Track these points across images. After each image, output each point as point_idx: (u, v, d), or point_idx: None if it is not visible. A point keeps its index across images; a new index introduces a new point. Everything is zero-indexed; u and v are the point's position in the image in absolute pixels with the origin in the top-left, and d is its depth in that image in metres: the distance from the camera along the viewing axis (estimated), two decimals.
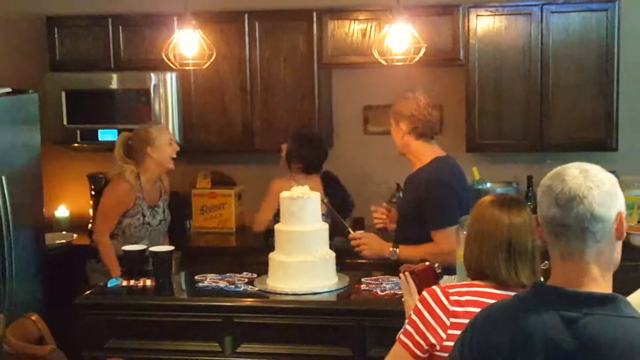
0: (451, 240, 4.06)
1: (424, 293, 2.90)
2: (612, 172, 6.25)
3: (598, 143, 5.80)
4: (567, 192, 2.05)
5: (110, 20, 6.27)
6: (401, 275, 3.41)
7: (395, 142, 4.68)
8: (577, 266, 2.07)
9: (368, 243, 4.67)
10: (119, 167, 5.32)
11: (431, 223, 4.49)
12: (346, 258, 4.97)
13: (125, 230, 5.27)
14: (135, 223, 5.28)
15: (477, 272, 2.97)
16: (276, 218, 4.82)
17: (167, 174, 5.56)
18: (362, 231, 4.94)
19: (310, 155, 5.56)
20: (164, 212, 5.46)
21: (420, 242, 4.48)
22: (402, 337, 2.88)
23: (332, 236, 4.61)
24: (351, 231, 4.80)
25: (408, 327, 2.87)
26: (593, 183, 2.06)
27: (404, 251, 4.52)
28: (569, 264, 2.08)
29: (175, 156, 5.36)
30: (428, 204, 4.51)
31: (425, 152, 4.65)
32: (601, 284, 2.07)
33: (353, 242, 4.72)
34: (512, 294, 2.85)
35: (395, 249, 4.55)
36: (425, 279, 3.33)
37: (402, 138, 4.63)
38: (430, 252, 4.33)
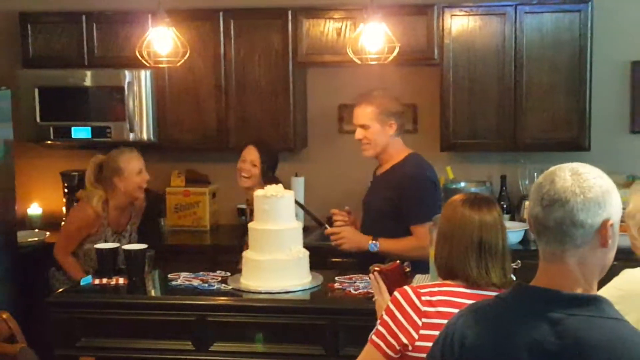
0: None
1: (396, 293, 2.89)
2: None
3: (571, 143, 5.82)
4: (552, 194, 2.04)
5: (84, 17, 6.23)
6: (370, 275, 3.41)
7: (375, 143, 4.63)
8: (559, 268, 2.06)
9: (347, 236, 4.64)
10: (88, 191, 5.29)
11: (412, 217, 4.51)
12: (320, 257, 4.97)
13: (86, 253, 5.21)
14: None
15: (448, 271, 2.97)
16: None
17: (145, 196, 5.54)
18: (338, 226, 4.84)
19: (276, 162, 5.48)
20: (130, 235, 5.40)
21: (396, 237, 4.50)
22: (374, 337, 2.88)
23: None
24: (328, 226, 4.75)
25: (380, 327, 2.87)
26: (580, 188, 2.03)
27: (384, 244, 4.51)
28: (552, 266, 2.07)
29: (145, 186, 5.34)
30: (410, 198, 4.52)
31: (400, 149, 4.69)
32: (584, 287, 2.07)
33: (332, 237, 4.68)
34: (484, 293, 2.87)
35: (375, 242, 4.53)
36: (395, 278, 3.33)
37: (389, 137, 4.63)
38: (410, 246, 4.36)
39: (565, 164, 2.11)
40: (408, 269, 3.46)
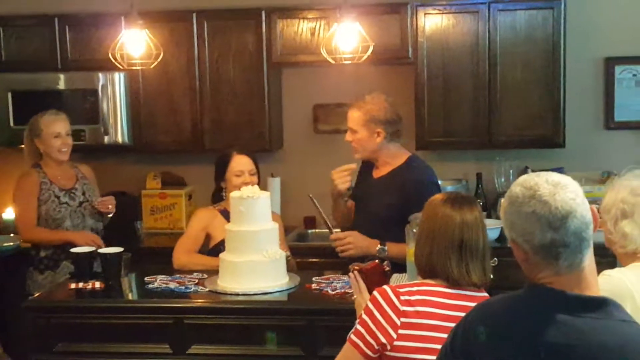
0: None
1: (375, 293, 2.90)
2: (560, 168, 6.29)
3: (545, 140, 5.86)
4: (557, 211, 2.04)
5: (56, 19, 6.21)
6: (350, 274, 3.40)
7: (362, 147, 4.59)
8: (574, 276, 2.07)
9: (354, 242, 4.49)
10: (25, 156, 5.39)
11: None
12: (296, 257, 4.97)
13: (46, 217, 5.23)
14: (52, 206, 5.23)
15: (428, 271, 2.98)
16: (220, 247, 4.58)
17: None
18: (338, 230, 4.70)
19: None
20: (84, 194, 5.37)
21: (398, 241, 4.39)
22: (352, 337, 2.88)
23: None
24: (334, 231, 4.61)
25: (359, 326, 2.87)
26: (571, 193, 2.06)
27: (392, 248, 4.40)
28: (565, 276, 2.07)
29: (65, 149, 5.29)
30: (418, 204, 4.35)
31: (396, 154, 4.62)
32: (594, 286, 2.09)
33: (337, 243, 4.53)
34: (464, 292, 2.88)
35: (383, 246, 4.43)
36: (374, 277, 3.33)
37: (376, 144, 4.57)
38: None
39: (525, 182, 2.11)
40: (387, 268, 3.46)
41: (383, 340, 2.82)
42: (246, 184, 4.69)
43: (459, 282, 2.91)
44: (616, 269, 3.03)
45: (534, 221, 2.06)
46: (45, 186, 5.24)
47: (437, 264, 2.94)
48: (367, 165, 4.81)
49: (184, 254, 4.79)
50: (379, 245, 4.45)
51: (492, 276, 3.01)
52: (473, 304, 2.85)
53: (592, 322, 2.01)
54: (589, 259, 2.09)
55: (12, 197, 5.41)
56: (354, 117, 4.58)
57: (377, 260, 3.49)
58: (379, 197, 4.60)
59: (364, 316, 2.88)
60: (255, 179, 4.84)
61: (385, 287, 2.92)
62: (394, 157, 4.63)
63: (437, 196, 3.10)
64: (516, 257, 2.14)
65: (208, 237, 4.84)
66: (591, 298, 2.05)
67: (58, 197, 5.25)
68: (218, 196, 4.97)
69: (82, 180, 5.42)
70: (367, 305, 2.89)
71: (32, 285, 5.24)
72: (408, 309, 2.83)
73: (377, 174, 4.70)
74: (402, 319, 2.82)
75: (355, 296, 3.36)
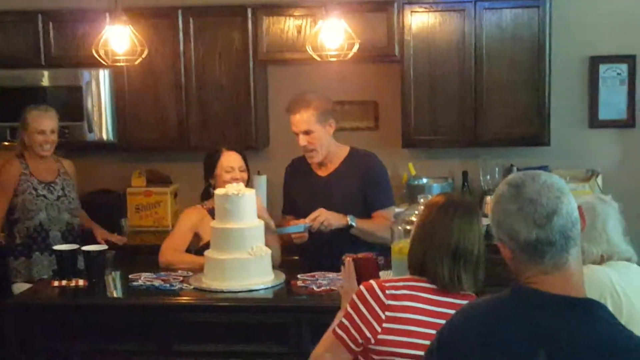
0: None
1: (361, 287, 2.89)
2: (545, 166, 6.30)
3: (531, 138, 5.86)
4: (543, 209, 2.04)
5: (39, 16, 6.16)
6: (345, 261, 3.35)
7: (321, 146, 4.65)
8: (560, 275, 2.06)
9: (327, 216, 4.48)
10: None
11: (380, 202, 4.60)
12: (281, 256, 4.95)
13: (22, 207, 5.27)
14: (29, 197, 5.27)
15: (419, 270, 2.94)
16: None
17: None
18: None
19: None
20: (63, 189, 5.39)
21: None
22: (337, 330, 2.87)
23: None
24: (306, 220, 4.53)
25: (344, 320, 2.87)
26: (558, 191, 2.06)
27: (359, 222, 4.52)
28: (551, 276, 2.06)
29: (47, 146, 5.31)
30: (376, 187, 4.64)
31: (339, 146, 4.77)
32: (580, 287, 2.08)
33: (318, 219, 4.47)
34: (449, 297, 2.86)
35: (352, 216, 4.51)
36: (367, 268, 3.30)
37: (330, 137, 4.68)
38: (383, 225, 4.42)
39: (513, 179, 2.12)
40: (381, 262, 3.45)
41: (368, 334, 2.82)
42: (236, 179, 4.67)
43: (447, 289, 2.89)
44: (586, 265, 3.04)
45: (520, 219, 2.06)
46: (25, 177, 5.29)
47: (429, 268, 2.91)
48: (296, 169, 4.87)
49: (171, 253, 4.77)
50: (348, 216, 4.51)
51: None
52: (460, 301, 2.85)
53: (578, 324, 2.00)
54: (575, 259, 2.07)
55: None
56: (305, 118, 4.60)
57: (371, 253, 3.48)
58: (338, 191, 4.66)
59: (349, 309, 2.87)
60: (245, 175, 4.82)
61: (371, 281, 2.91)
62: (340, 150, 4.75)
63: (440, 199, 3.03)
64: (503, 255, 2.14)
65: (196, 236, 4.82)
66: (577, 299, 2.04)
67: (36, 190, 5.28)
68: (207, 194, 4.94)
69: (64, 175, 5.45)
70: (352, 299, 2.88)
71: (10, 271, 5.30)
72: (394, 303, 2.82)
73: (324, 171, 4.76)
74: (387, 313, 2.81)
75: (342, 283, 3.33)
